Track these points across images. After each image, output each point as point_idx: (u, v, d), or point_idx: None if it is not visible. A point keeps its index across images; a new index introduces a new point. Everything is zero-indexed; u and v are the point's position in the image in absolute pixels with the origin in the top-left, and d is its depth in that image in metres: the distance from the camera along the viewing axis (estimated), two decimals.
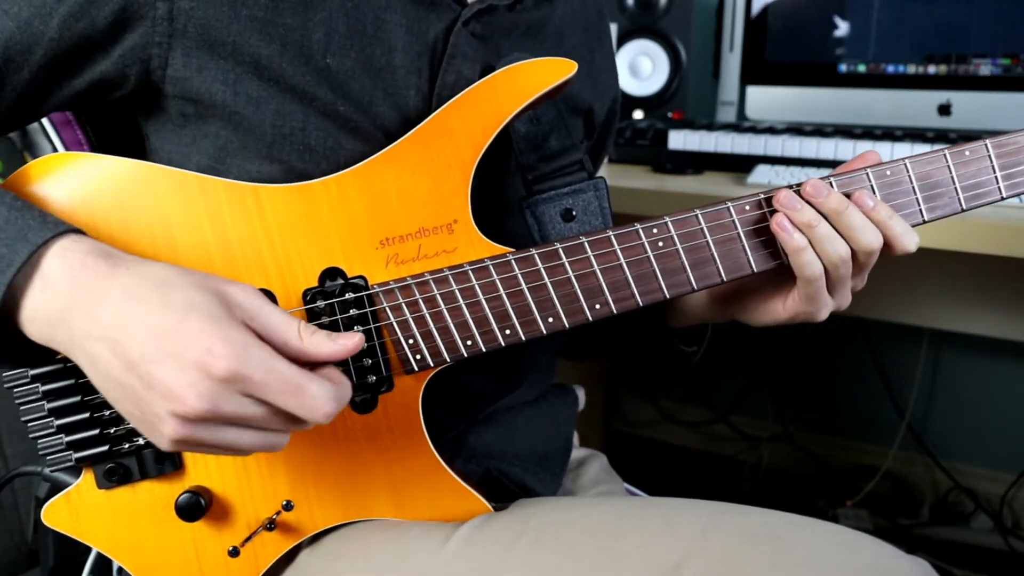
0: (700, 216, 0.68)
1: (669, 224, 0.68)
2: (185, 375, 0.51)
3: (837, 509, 1.91)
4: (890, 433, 1.93)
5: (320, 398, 0.53)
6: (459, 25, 0.70)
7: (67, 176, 0.65)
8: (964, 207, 0.70)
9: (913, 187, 0.69)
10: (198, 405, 0.51)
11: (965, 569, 1.74)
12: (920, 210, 0.70)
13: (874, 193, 0.68)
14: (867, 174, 0.69)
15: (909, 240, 0.68)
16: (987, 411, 1.89)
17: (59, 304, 0.54)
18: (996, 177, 0.71)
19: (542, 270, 0.67)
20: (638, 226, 0.68)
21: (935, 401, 1.93)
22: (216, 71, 0.65)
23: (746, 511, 0.65)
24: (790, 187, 0.68)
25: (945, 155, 0.70)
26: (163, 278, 0.54)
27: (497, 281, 0.67)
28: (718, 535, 0.61)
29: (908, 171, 0.69)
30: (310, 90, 0.66)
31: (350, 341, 0.57)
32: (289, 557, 0.71)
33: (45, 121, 0.80)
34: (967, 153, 0.70)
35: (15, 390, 0.66)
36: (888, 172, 0.69)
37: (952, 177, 0.70)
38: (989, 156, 0.70)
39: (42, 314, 0.55)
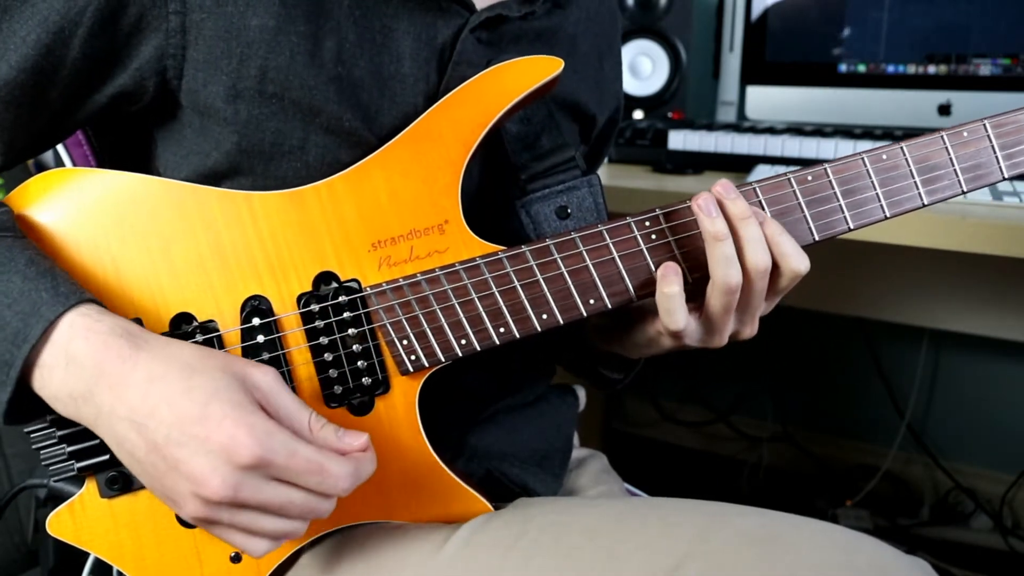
0: (692, 207, 0.67)
1: (661, 216, 0.68)
2: (208, 460, 0.53)
3: (837, 509, 1.91)
4: (890, 433, 1.93)
5: (340, 476, 0.56)
6: (466, 32, 0.70)
7: (65, 193, 0.66)
8: (965, 189, 0.69)
9: (911, 170, 0.69)
10: (220, 490, 0.53)
11: (965, 569, 1.74)
12: (919, 194, 0.69)
13: (871, 179, 0.68)
14: (863, 159, 0.68)
15: (799, 261, 0.65)
16: (987, 411, 1.88)
17: (84, 383, 0.56)
18: (997, 157, 0.69)
19: (534, 267, 0.67)
20: (630, 219, 0.67)
21: (935, 401, 1.93)
22: (219, 87, 0.65)
23: (745, 512, 0.65)
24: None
25: (943, 137, 0.69)
26: (186, 361, 0.57)
27: (489, 279, 0.67)
28: (717, 536, 0.61)
29: (905, 154, 0.68)
30: (316, 104, 0.66)
31: (356, 442, 0.59)
32: (291, 561, 0.71)
33: None
34: (965, 134, 0.69)
35: None
36: (884, 156, 0.68)
37: (951, 159, 0.69)
38: (988, 136, 0.69)
39: (67, 392, 0.57)
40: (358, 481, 0.58)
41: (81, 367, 0.56)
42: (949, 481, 1.90)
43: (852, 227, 0.69)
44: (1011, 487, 1.82)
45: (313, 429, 0.58)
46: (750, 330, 0.70)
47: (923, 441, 1.92)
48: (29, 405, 0.60)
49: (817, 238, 0.68)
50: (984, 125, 0.69)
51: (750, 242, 0.64)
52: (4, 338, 0.57)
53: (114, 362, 0.56)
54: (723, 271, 0.64)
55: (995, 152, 0.69)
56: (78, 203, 0.66)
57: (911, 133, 1.32)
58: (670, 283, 0.65)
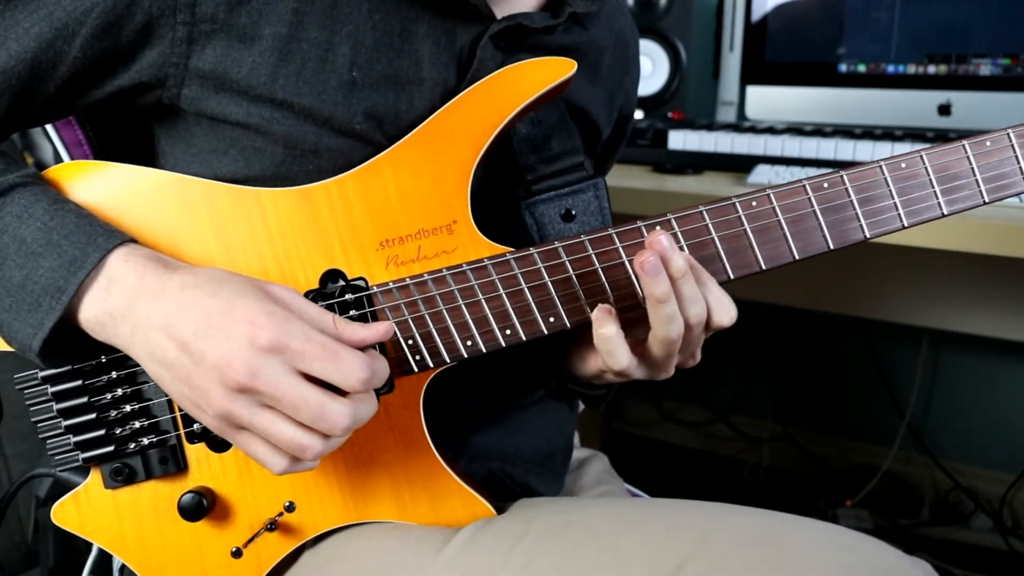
0: (705, 213, 0.67)
1: (673, 221, 0.67)
2: (231, 345, 0.56)
3: (837, 509, 1.91)
4: (890, 433, 1.93)
5: (355, 364, 0.57)
6: (486, 39, 0.69)
7: (77, 186, 0.67)
8: (987, 199, 0.68)
9: (930, 179, 0.67)
10: (241, 372, 0.55)
11: (965, 569, 1.74)
12: (939, 203, 0.68)
13: (889, 187, 0.67)
14: (881, 167, 0.67)
15: (723, 315, 0.65)
16: (987, 411, 1.89)
17: (124, 301, 0.60)
18: (1021, 167, 0.68)
19: (542, 269, 0.67)
20: (640, 224, 0.67)
21: (935, 401, 1.93)
22: (228, 93, 0.65)
23: (747, 512, 0.65)
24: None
25: (964, 146, 0.68)
26: (214, 276, 0.60)
27: (496, 281, 0.66)
28: (719, 537, 0.61)
29: (924, 163, 0.67)
30: (325, 111, 0.66)
31: (381, 327, 0.61)
32: (292, 558, 0.71)
33: None
34: (988, 143, 0.68)
35: (26, 391, 0.67)
36: (903, 164, 0.67)
37: (972, 168, 0.68)
38: (1012, 146, 0.68)
39: (106, 311, 0.60)
40: (372, 376, 0.58)
41: (122, 287, 0.60)
42: (949, 481, 1.90)
43: (868, 236, 0.67)
44: (1011, 487, 1.82)
45: (337, 324, 0.60)
46: (693, 361, 0.69)
47: (923, 441, 1.92)
48: (63, 340, 0.62)
49: (832, 246, 0.67)
50: (1008, 134, 0.68)
51: (689, 300, 0.63)
52: (60, 265, 0.60)
53: (152, 278, 0.60)
54: (665, 327, 0.63)
55: (1019, 162, 0.68)
56: (87, 197, 0.66)
57: (911, 133, 1.33)
58: (604, 324, 0.64)
